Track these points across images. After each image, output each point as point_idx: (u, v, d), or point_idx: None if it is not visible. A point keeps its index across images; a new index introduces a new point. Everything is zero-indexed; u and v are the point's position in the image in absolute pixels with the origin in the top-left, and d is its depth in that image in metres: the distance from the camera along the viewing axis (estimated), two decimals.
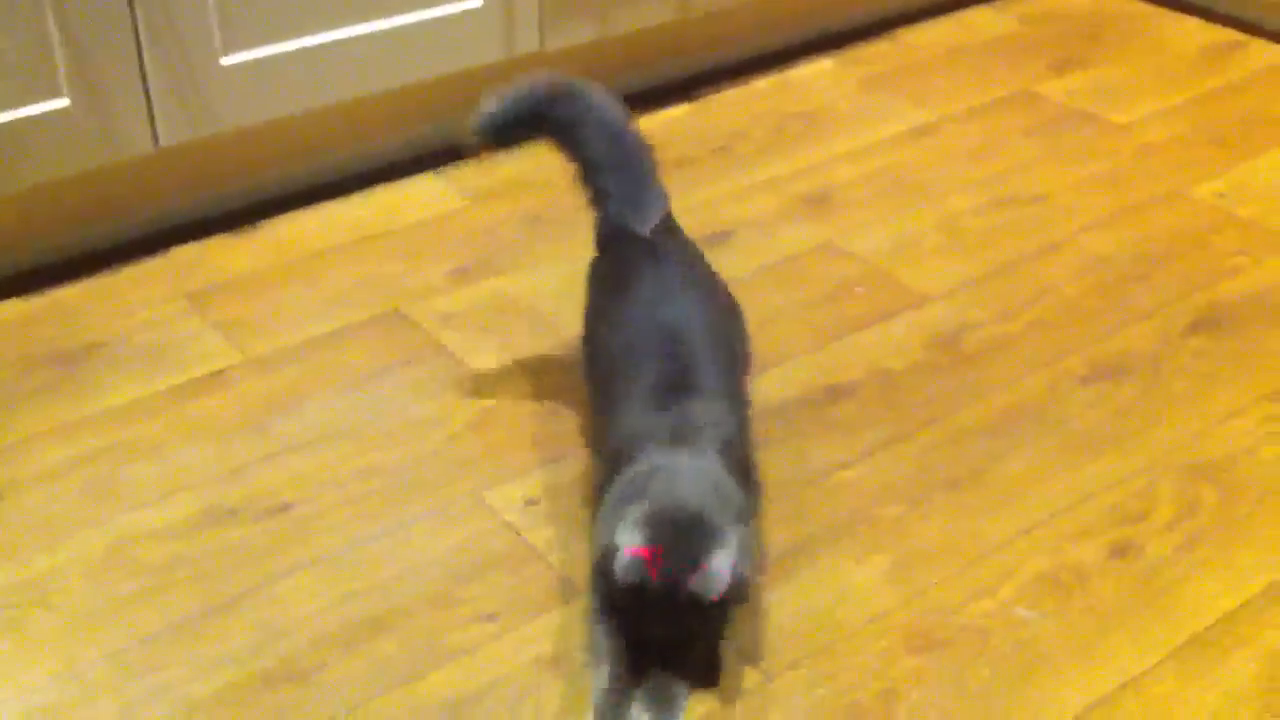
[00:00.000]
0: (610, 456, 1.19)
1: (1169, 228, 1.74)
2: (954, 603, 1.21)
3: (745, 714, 1.11)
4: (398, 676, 1.14)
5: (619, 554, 1.06)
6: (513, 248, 1.71)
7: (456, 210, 1.79)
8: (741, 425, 1.22)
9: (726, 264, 1.37)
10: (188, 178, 1.75)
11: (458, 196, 1.82)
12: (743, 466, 1.19)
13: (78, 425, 1.42)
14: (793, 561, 1.25)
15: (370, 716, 1.11)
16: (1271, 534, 1.28)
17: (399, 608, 1.21)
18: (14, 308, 1.61)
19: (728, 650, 1.15)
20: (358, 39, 1.72)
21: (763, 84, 2.09)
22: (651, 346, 1.22)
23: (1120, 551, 1.26)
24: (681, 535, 1.06)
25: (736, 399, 1.23)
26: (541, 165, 1.84)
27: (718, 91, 2.07)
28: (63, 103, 1.55)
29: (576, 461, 1.36)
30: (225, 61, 1.63)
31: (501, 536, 1.28)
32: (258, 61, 1.66)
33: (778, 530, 1.28)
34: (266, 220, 1.77)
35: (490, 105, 1.36)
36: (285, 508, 1.31)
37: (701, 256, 1.37)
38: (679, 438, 1.15)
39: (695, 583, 1.05)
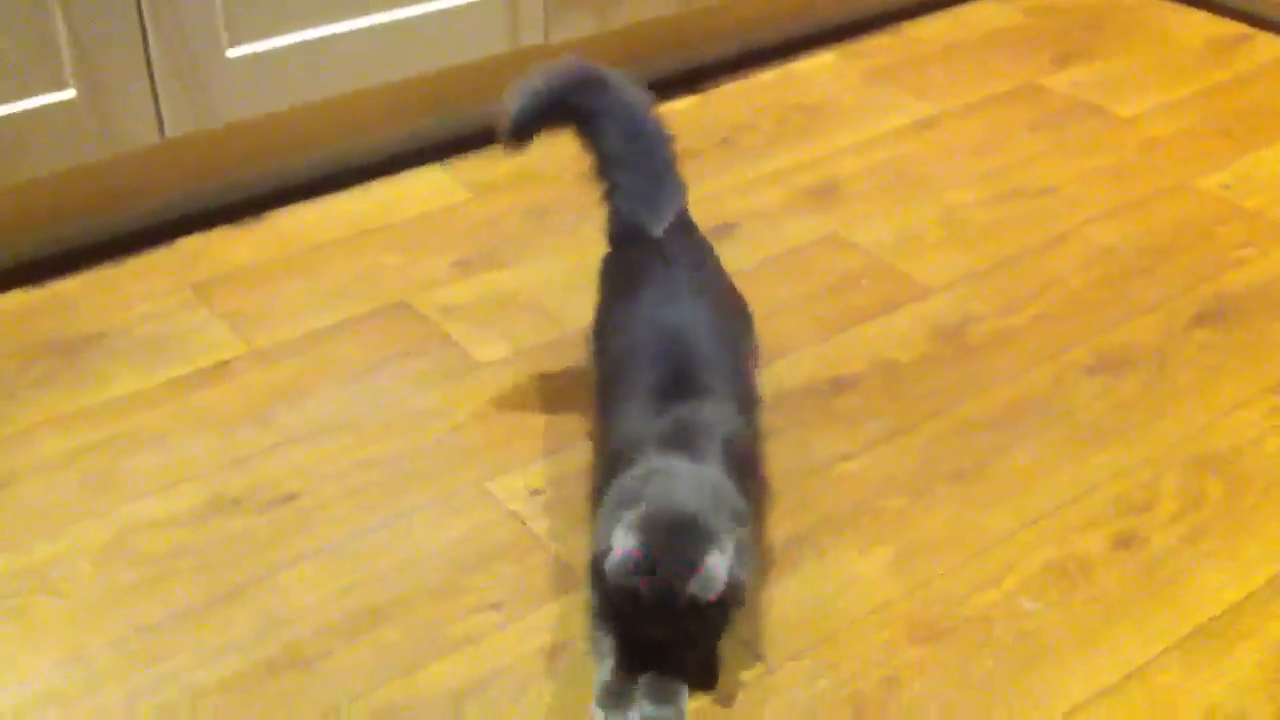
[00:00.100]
0: (611, 457, 1.19)
1: (1174, 220, 1.74)
2: (957, 593, 1.21)
3: (747, 704, 1.11)
4: (401, 665, 1.14)
5: (611, 554, 1.06)
6: (516, 240, 1.71)
7: (460, 203, 1.79)
8: (748, 425, 1.21)
9: (731, 256, 1.36)
10: (192, 169, 1.75)
11: (462, 189, 1.82)
12: (747, 466, 1.18)
13: (80, 415, 1.42)
14: (796, 552, 1.25)
15: (374, 705, 1.11)
16: (1277, 526, 1.28)
17: (402, 597, 1.21)
18: (17, 298, 1.61)
19: (727, 648, 1.15)
20: (363, 32, 1.72)
21: (766, 77, 2.09)
22: (655, 349, 1.21)
23: (1125, 543, 1.26)
24: (677, 538, 1.06)
25: (743, 399, 1.22)
26: (545, 158, 1.84)
27: (721, 84, 2.07)
28: (68, 94, 1.55)
29: (580, 451, 1.36)
30: (230, 54, 1.63)
31: (505, 526, 1.28)
32: (263, 54, 1.66)
33: (781, 521, 1.28)
34: (271, 212, 1.77)
35: (518, 105, 1.32)
36: (289, 498, 1.31)
37: (713, 255, 1.35)
38: (678, 440, 1.14)
39: (693, 585, 1.04)
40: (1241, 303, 1.58)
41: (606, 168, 1.34)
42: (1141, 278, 1.63)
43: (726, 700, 1.11)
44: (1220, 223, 1.73)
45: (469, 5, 1.78)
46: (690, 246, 1.33)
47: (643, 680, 1.11)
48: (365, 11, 1.71)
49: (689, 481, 1.10)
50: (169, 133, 1.63)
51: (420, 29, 1.76)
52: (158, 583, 1.23)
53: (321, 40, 1.69)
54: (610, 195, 1.34)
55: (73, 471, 1.35)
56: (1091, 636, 1.17)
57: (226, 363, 1.50)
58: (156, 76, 1.59)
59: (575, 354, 1.48)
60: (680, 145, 1.37)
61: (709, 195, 1.78)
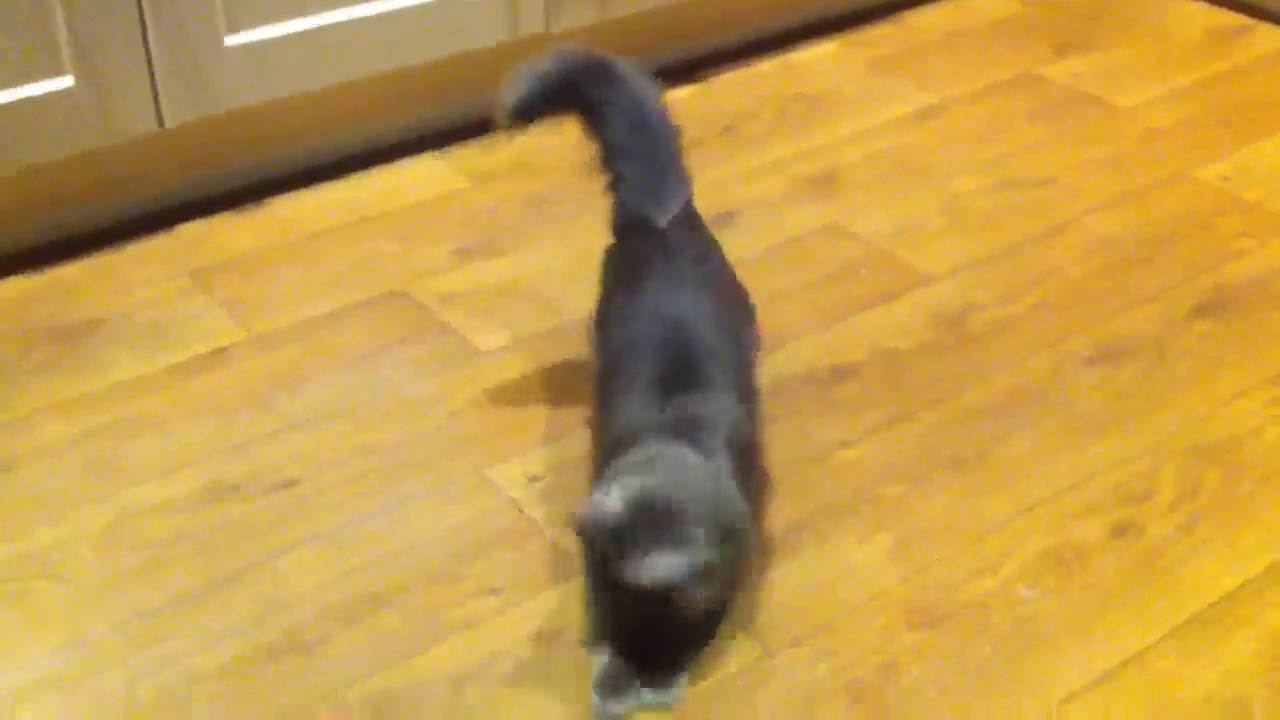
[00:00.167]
0: (610, 445, 1.19)
1: (1174, 210, 1.74)
2: (955, 580, 1.21)
3: (746, 689, 1.11)
4: (400, 650, 1.15)
5: (597, 500, 1.05)
6: (515, 229, 1.71)
7: (459, 191, 1.79)
8: (747, 419, 1.21)
9: (732, 245, 1.36)
10: (191, 156, 1.75)
11: (460, 177, 1.82)
12: (747, 458, 1.18)
13: (80, 401, 1.42)
14: (795, 539, 1.25)
15: (373, 689, 1.11)
16: (1275, 514, 1.28)
17: (401, 583, 1.21)
18: (17, 285, 1.61)
19: (700, 655, 1.14)
20: (362, 20, 1.72)
21: (767, 66, 2.09)
22: (656, 339, 1.21)
23: (1122, 531, 1.26)
24: (649, 518, 1.05)
25: (744, 391, 1.22)
26: (544, 147, 1.84)
27: (722, 73, 2.07)
28: (67, 82, 1.55)
29: (579, 439, 1.36)
30: (229, 42, 1.63)
31: (504, 513, 1.28)
32: (262, 42, 1.66)
33: (781, 508, 1.28)
34: (270, 199, 1.77)
35: (522, 85, 1.30)
36: (288, 484, 1.32)
37: (716, 247, 1.35)
38: (680, 431, 1.13)
39: (629, 568, 1.04)
40: (1241, 294, 1.58)
41: (611, 158, 1.33)
42: (1141, 268, 1.63)
43: (725, 686, 1.11)
44: (1220, 214, 1.73)
45: None
46: (694, 239, 1.32)
47: (641, 667, 1.11)
48: (365, 0, 1.72)
49: (694, 476, 1.09)
50: (167, 122, 1.63)
51: (420, 18, 1.76)
52: (157, 568, 1.23)
53: (320, 29, 1.69)
54: (615, 186, 1.33)
55: (73, 457, 1.35)
56: (1088, 623, 1.17)
57: (226, 349, 1.50)
58: (155, 65, 1.59)
59: (574, 342, 1.48)
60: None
61: (710, 184, 1.78)
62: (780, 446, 1.35)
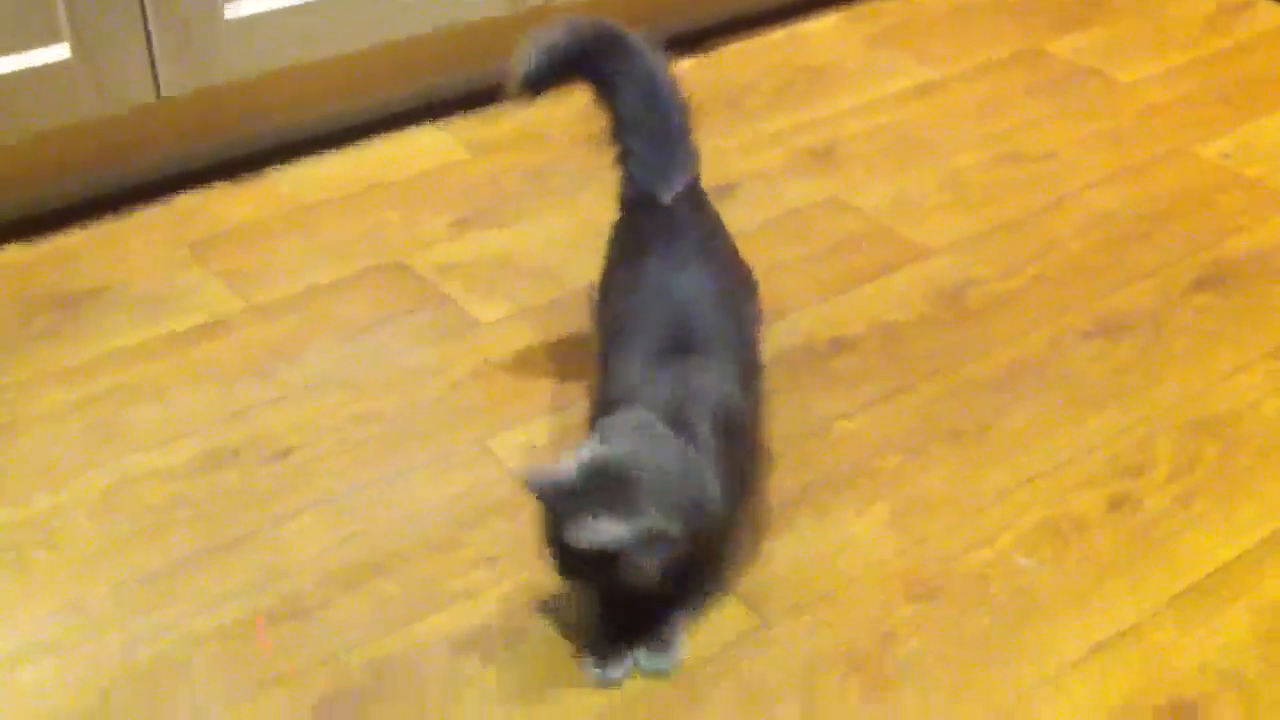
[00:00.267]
0: (598, 413, 1.19)
1: (1173, 186, 1.74)
2: (953, 551, 1.21)
3: (745, 660, 1.12)
4: (400, 617, 1.15)
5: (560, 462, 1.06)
6: (515, 200, 1.70)
7: (459, 162, 1.79)
8: (747, 393, 1.21)
9: (731, 217, 1.36)
10: (190, 126, 1.74)
11: (461, 148, 1.81)
12: (737, 432, 1.17)
13: (80, 369, 1.42)
14: (794, 510, 1.25)
15: (371, 655, 1.12)
16: (1272, 488, 1.28)
17: (401, 551, 1.21)
18: (17, 253, 1.61)
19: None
20: None
21: (769, 39, 2.08)
22: (656, 311, 1.21)
23: (1119, 503, 1.26)
24: (600, 484, 1.05)
25: (744, 366, 1.22)
26: (545, 118, 1.84)
27: (724, 45, 2.06)
28: (64, 52, 1.55)
29: (579, 410, 1.36)
30: (228, 12, 1.63)
31: (504, 483, 1.28)
32: (261, 13, 1.65)
33: (780, 480, 1.28)
34: (269, 170, 1.76)
35: (534, 56, 1.30)
36: (287, 452, 1.32)
37: (721, 225, 1.34)
38: (670, 401, 1.13)
39: (571, 529, 1.04)
40: (1240, 269, 1.58)
41: (621, 131, 1.32)
42: (1140, 243, 1.63)
43: (723, 655, 1.12)
44: (1220, 190, 1.73)
45: None
46: (698, 215, 1.32)
47: (638, 632, 1.11)
48: None
49: (660, 448, 1.09)
50: (165, 91, 1.62)
51: None
52: (156, 533, 1.23)
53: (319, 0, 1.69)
54: (624, 160, 1.33)
55: (72, 423, 1.35)
56: (1085, 595, 1.17)
57: (225, 319, 1.50)
58: (153, 34, 1.59)
59: (575, 314, 1.48)
60: None
61: (710, 156, 1.75)
62: (779, 418, 1.35)
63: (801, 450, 1.32)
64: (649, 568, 1.06)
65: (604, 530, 1.04)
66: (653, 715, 1.07)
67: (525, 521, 1.24)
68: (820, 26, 2.12)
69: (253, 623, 1.14)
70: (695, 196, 1.32)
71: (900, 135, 1.85)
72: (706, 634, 1.13)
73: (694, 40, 2.07)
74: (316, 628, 1.14)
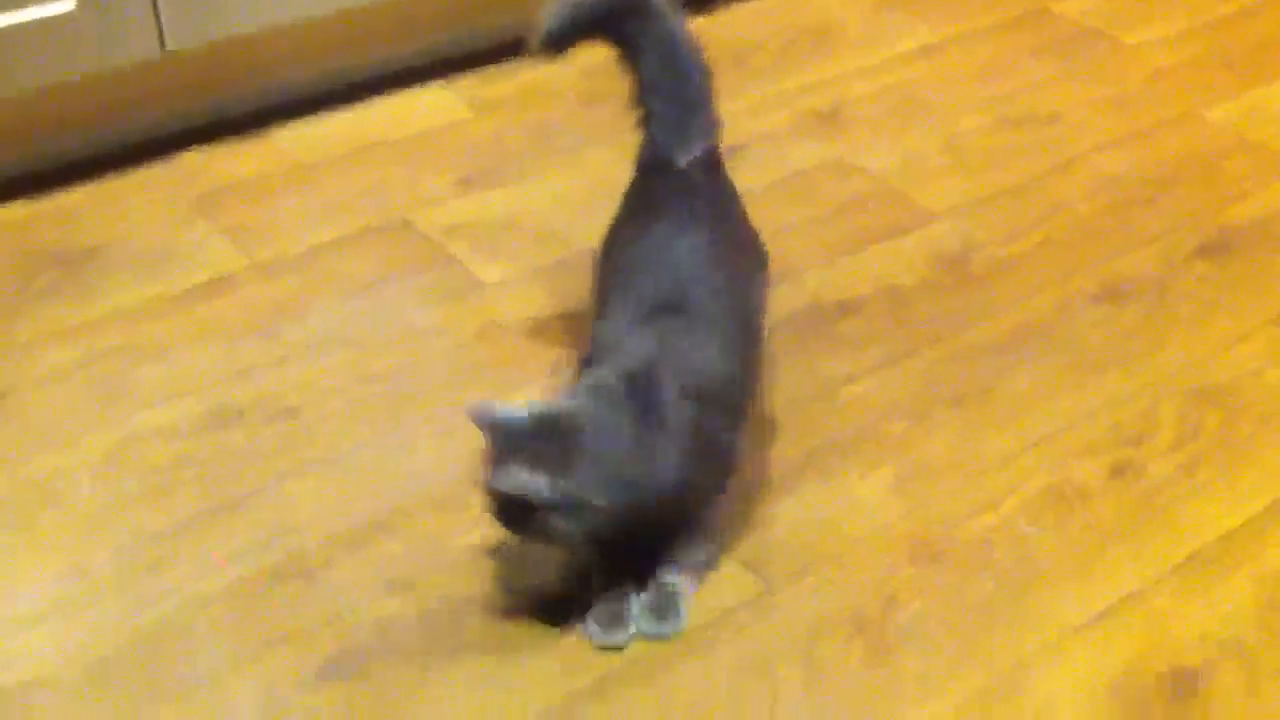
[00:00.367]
0: (582, 363, 1.18)
1: (1178, 151, 1.73)
2: (957, 516, 1.22)
3: (749, 623, 1.12)
4: (404, 576, 1.15)
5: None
6: (520, 158, 1.70)
7: (464, 120, 1.78)
8: (734, 364, 1.19)
9: (738, 178, 1.35)
10: (194, 82, 1.73)
11: (465, 107, 1.80)
12: (711, 400, 1.14)
13: (83, 327, 1.42)
14: (798, 474, 1.26)
15: (375, 613, 1.12)
16: (1274, 456, 1.29)
17: (405, 509, 1.21)
18: (18, 209, 1.60)
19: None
20: None
21: None
22: (649, 274, 1.20)
23: (1122, 470, 1.27)
24: (538, 434, 1.06)
25: (744, 337, 1.21)
26: (550, 77, 1.83)
27: (730, 5, 2.05)
28: (68, 5, 1.54)
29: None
30: None
31: None
32: None
33: (784, 444, 1.29)
34: (273, 127, 1.76)
35: (561, 13, 1.29)
36: (292, 411, 1.32)
37: (734, 193, 1.33)
38: (644, 369, 1.11)
39: (493, 473, 1.05)
40: (1244, 236, 1.58)
41: (642, 93, 1.32)
42: (1144, 208, 1.63)
43: (726, 619, 1.12)
44: (1224, 156, 1.72)
45: None
46: (712, 182, 1.31)
47: (641, 596, 1.12)
48: None
49: (616, 425, 1.08)
50: (170, 45, 1.61)
51: None
52: (160, 493, 1.23)
53: None
54: (645, 122, 1.32)
55: (75, 383, 1.35)
56: (1088, 561, 1.18)
57: (228, 277, 1.50)
58: None
59: (580, 274, 1.48)
60: None
61: None
62: (785, 382, 1.35)
63: (807, 413, 1.32)
64: (566, 529, 1.07)
65: (526, 482, 1.04)
66: (654, 679, 1.08)
67: None
68: None
69: (258, 584, 1.15)
70: (712, 163, 1.32)
71: (905, 97, 1.84)
72: (708, 598, 1.14)
73: (700, 0, 2.06)
74: (321, 587, 1.14)
